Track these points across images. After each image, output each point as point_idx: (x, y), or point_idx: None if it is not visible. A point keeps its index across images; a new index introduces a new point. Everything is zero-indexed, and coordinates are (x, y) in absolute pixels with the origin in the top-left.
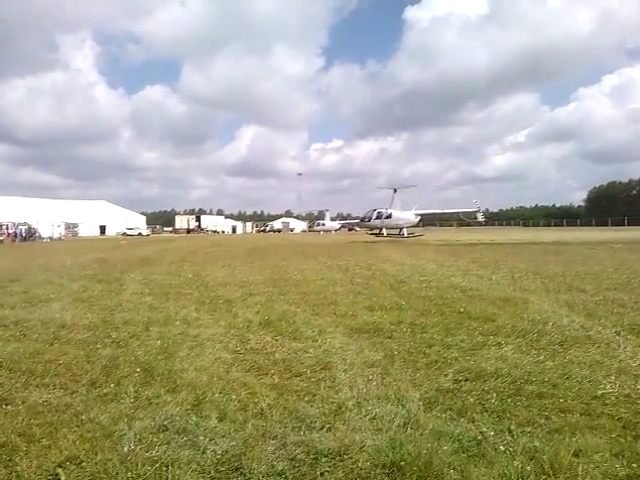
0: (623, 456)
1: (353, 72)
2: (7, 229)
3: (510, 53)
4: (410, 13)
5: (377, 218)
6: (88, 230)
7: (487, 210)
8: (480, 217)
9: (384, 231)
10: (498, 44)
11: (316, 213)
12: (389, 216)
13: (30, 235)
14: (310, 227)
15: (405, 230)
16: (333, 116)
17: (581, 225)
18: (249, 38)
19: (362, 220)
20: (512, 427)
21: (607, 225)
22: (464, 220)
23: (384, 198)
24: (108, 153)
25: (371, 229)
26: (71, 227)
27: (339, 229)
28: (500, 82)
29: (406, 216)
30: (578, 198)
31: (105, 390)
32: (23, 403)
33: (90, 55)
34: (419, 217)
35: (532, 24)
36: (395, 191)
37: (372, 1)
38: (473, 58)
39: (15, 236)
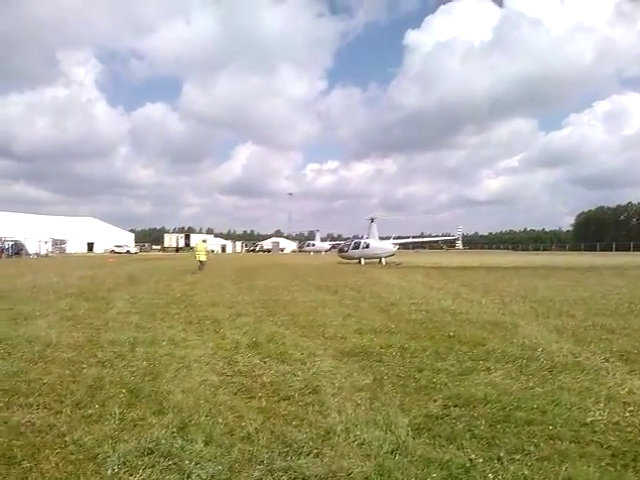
0: None
1: (354, 95)
2: None
3: (510, 79)
4: (411, 38)
5: (355, 248)
6: (76, 247)
7: (476, 234)
8: (460, 244)
9: (362, 261)
10: (499, 70)
11: (306, 233)
12: (367, 246)
13: (17, 251)
14: (300, 247)
15: (384, 260)
16: (330, 137)
17: (570, 250)
18: (254, 57)
19: (340, 250)
20: (501, 454)
21: (596, 250)
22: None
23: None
24: (102, 169)
25: (349, 260)
26: (58, 243)
27: (329, 250)
28: (498, 107)
29: (384, 246)
30: (567, 223)
31: (90, 411)
32: (5, 423)
33: (91, 71)
34: (397, 247)
35: (534, 51)
36: (372, 220)
37: (378, 26)
38: (473, 83)
39: (1, 252)
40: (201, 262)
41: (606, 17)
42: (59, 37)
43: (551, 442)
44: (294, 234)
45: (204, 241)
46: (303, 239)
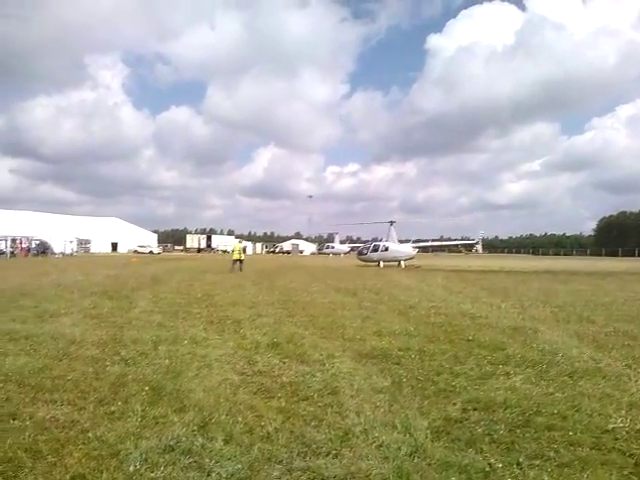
0: None
1: (376, 99)
2: (21, 244)
3: (533, 83)
4: (433, 41)
5: (374, 251)
6: (100, 247)
7: (496, 237)
8: (480, 248)
9: (381, 264)
10: (521, 74)
11: (326, 236)
12: (386, 249)
13: (43, 250)
14: (319, 249)
15: (403, 263)
16: (351, 140)
17: (591, 255)
18: (277, 61)
19: (360, 253)
20: (521, 459)
21: (617, 255)
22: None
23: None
24: (127, 171)
25: (368, 262)
26: (83, 243)
27: (348, 252)
28: (520, 111)
29: (403, 249)
30: (589, 228)
31: (112, 408)
32: (30, 418)
33: (118, 75)
34: (417, 250)
35: (557, 55)
36: (392, 224)
37: (400, 30)
38: (495, 87)
39: (28, 251)
40: (240, 261)
41: (630, 20)
42: (87, 41)
43: (571, 448)
44: (313, 236)
45: (240, 242)
46: (322, 241)
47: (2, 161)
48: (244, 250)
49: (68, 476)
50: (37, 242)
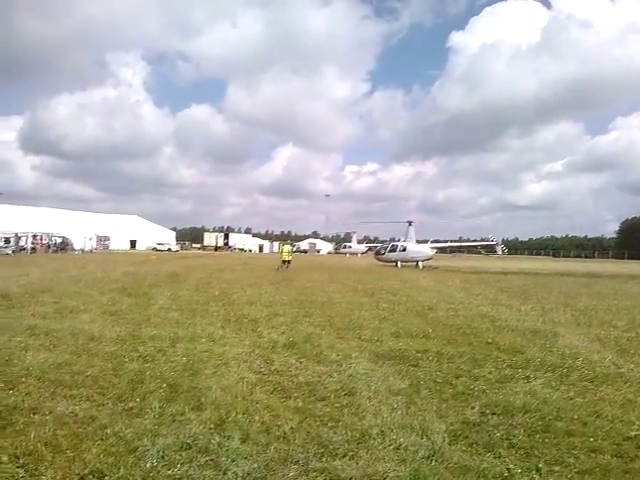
0: None
1: (396, 97)
2: (41, 240)
3: (557, 82)
4: (455, 39)
5: (392, 251)
6: (119, 244)
7: (517, 239)
8: (499, 250)
9: (399, 264)
10: (546, 72)
11: (343, 235)
12: (404, 249)
13: (63, 246)
14: (336, 249)
15: (420, 263)
16: (371, 139)
17: (613, 257)
18: (298, 59)
19: (377, 253)
20: (540, 465)
21: None
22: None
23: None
24: (147, 169)
25: (385, 262)
26: (102, 240)
27: (365, 252)
28: (544, 110)
29: (421, 249)
30: (611, 230)
31: (130, 404)
32: (50, 413)
33: (140, 73)
34: (435, 250)
35: (583, 53)
36: (410, 224)
37: (423, 28)
38: (518, 85)
39: (48, 247)
40: (287, 262)
41: None
42: (109, 39)
43: (592, 455)
44: (330, 235)
45: (289, 243)
46: (339, 240)
47: (24, 158)
48: (291, 251)
49: (87, 471)
50: (58, 238)
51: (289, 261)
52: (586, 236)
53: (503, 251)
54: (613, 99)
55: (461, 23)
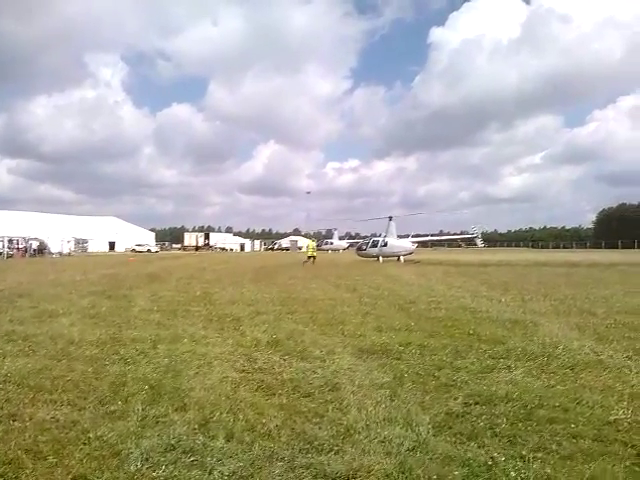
0: None
1: (378, 93)
2: (18, 244)
3: (537, 75)
4: (436, 35)
5: (373, 246)
6: (97, 246)
7: (495, 231)
8: (479, 243)
9: (380, 259)
10: (526, 66)
11: (324, 232)
12: (385, 244)
13: (40, 250)
14: (318, 246)
15: (402, 258)
16: (352, 136)
17: (590, 247)
18: (280, 57)
19: (359, 249)
20: (523, 452)
21: (617, 247)
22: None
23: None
24: (127, 170)
25: (367, 258)
26: (81, 243)
27: (347, 248)
28: (524, 104)
29: (402, 244)
30: (589, 220)
31: (113, 408)
32: (30, 419)
33: (119, 73)
34: (416, 245)
35: (562, 47)
36: (390, 219)
37: (404, 25)
38: (499, 80)
39: (25, 251)
40: (313, 257)
41: (637, 11)
42: (87, 39)
43: (574, 441)
44: (312, 232)
45: (313, 240)
46: (321, 237)
47: (0, 162)
48: (315, 248)
49: (69, 477)
50: (35, 242)
51: (314, 257)
52: (564, 227)
53: (482, 244)
54: (592, 92)
55: (442, 19)
